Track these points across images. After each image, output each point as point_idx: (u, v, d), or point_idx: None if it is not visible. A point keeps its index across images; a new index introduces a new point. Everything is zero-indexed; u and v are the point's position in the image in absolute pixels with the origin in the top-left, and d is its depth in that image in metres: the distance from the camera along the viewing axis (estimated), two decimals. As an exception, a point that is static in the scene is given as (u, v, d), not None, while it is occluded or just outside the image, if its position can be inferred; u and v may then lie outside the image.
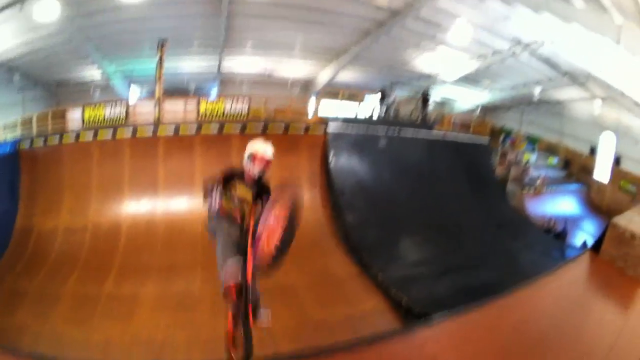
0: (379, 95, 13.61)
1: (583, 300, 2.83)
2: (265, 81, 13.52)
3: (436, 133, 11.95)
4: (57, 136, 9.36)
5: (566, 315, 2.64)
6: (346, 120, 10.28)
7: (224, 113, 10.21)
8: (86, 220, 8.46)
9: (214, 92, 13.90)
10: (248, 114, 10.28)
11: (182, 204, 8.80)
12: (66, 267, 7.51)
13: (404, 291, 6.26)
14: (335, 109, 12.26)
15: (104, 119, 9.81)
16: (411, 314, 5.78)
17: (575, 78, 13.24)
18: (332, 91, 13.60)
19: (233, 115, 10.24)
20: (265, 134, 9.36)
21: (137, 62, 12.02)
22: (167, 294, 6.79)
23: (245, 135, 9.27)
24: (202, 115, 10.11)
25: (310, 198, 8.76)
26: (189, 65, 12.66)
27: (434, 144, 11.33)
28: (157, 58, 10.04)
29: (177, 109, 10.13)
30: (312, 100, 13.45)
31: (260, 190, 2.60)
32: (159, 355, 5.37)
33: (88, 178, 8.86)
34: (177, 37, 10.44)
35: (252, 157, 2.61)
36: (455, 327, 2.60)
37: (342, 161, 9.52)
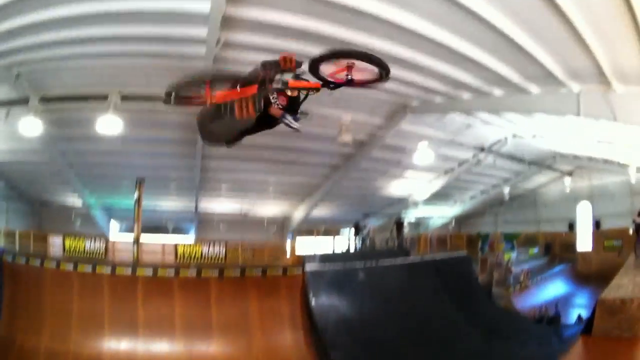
0: (352, 229, 14.11)
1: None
2: (242, 221, 13.91)
3: (414, 257, 12.24)
4: (39, 259, 9.65)
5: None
6: (323, 258, 10.63)
7: (201, 256, 10.56)
8: (67, 348, 8.34)
9: (192, 231, 14.23)
10: (226, 257, 10.62)
11: (163, 347, 8.67)
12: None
13: None
14: (312, 246, 12.47)
15: (84, 251, 10.20)
16: None
17: (542, 163, 14.13)
18: (308, 228, 14.03)
19: (210, 259, 10.58)
20: (243, 277, 9.57)
21: (116, 197, 12.46)
22: None
23: (224, 280, 9.45)
24: (179, 258, 10.47)
25: (293, 340, 8.74)
26: (167, 204, 13.07)
27: (414, 268, 11.47)
28: (135, 197, 10.51)
29: (155, 250, 10.50)
30: (289, 239, 13.88)
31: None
32: None
33: (69, 306, 8.94)
34: (155, 176, 10.99)
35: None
36: None
37: (323, 299, 9.62)
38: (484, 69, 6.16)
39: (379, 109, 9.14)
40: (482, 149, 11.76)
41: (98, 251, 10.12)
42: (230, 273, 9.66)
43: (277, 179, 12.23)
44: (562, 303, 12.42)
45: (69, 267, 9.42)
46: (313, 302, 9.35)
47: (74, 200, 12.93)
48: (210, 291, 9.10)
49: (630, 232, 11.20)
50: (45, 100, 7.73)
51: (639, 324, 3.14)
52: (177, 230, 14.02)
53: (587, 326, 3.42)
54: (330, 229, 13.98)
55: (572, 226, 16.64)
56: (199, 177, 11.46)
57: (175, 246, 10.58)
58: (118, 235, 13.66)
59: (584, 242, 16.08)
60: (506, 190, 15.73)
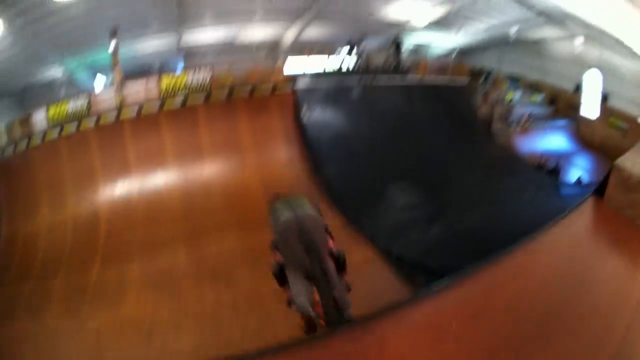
0: (346, 47, 12.67)
1: (593, 261, 2.19)
2: (230, 49, 12.88)
3: (412, 78, 11.23)
4: (25, 140, 9.34)
5: (575, 280, 2.01)
6: (315, 75, 9.78)
7: (186, 86, 9.86)
8: (65, 216, 8.42)
9: (179, 68, 13.42)
10: (211, 82, 9.86)
11: (157, 180, 8.59)
12: (53, 265, 7.45)
13: (394, 240, 5.84)
14: (304, 66, 11.24)
15: (67, 114, 9.60)
16: (402, 263, 5.43)
17: (552, 17, 12.18)
18: (300, 49, 12.70)
19: (196, 87, 9.88)
20: (230, 99, 9.00)
21: (98, 52, 11.55)
22: (152, 271, 6.63)
23: (211, 104, 9.00)
24: (164, 92, 9.80)
25: (286, 156, 8.39)
26: (149, 45, 12.22)
27: (411, 90, 10.79)
28: (111, 46, 10.01)
29: (138, 90, 9.80)
30: (279, 61, 12.53)
31: None
32: (149, 334, 5.33)
33: (61, 175, 8.80)
34: (132, 21, 10.22)
35: None
36: (430, 314, 2.02)
37: (316, 115, 9.04)
38: None
39: None
40: None
41: (81, 108, 9.59)
42: (217, 97, 9.26)
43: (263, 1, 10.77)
44: (562, 159, 11.94)
45: (55, 134, 9.12)
46: (306, 118, 9.05)
47: (54, 73, 12.25)
48: (198, 118, 8.91)
49: None
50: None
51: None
52: (164, 69, 13.28)
53: (599, 188, 2.76)
54: (323, 48, 12.93)
55: (578, 88, 15.19)
56: (177, 12, 10.48)
57: (158, 79, 9.98)
58: (105, 90, 13.05)
59: (590, 109, 14.86)
60: (512, 30, 13.91)
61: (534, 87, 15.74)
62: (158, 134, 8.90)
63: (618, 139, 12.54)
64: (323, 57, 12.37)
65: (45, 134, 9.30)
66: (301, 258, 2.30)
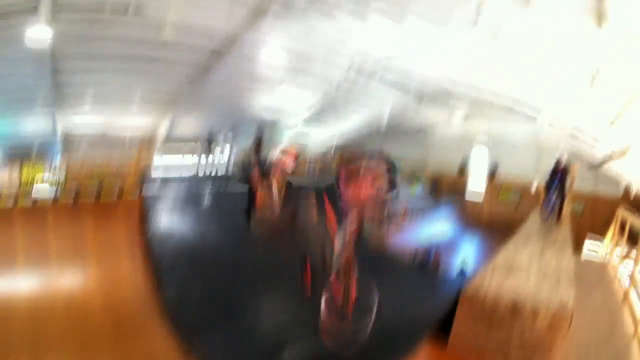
0: (206, 143, 12.82)
1: None
2: (102, 140, 12.62)
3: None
4: None
5: None
6: (165, 180, 9.55)
7: (43, 179, 9.86)
8: None
9: (56, 153, 12.65)
10: (66, 179, 9.66)
11: (6, 283, 7.04)
12: None
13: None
14: (162, 166, 11.45)
15: None
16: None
17: (434, 97, 12.54)
18: (172, 146, 13.11)
19: (52, 181, 9.89)
20: (77, 202, 8.51)
21: None
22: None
23: (60, 206, 8.38)
24: (23, 184, 9.68)
25: (131, 269, 7.70)
26: (26, 126, 11.48)
27: None
28: None
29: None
30: (138, 159, 12.08)
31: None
32: None
33: None
34: (9, 98, 9.56)
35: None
36: None
37: (163, 225, 8.61)
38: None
39: (237, 11, 7.87)
40: (358, 69, 10.29)
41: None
42: (64, 198, 8.64)
43: (132, 91, 10.93)
44: (444, 248, 11.64)
45: None
46: (151, 229, 8.43)
47: None
48: (48, 219, 8.00)
49: (533, 188, 10.52)
50: None
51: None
52: (42, 155, 12.24)
53: (443, 327, 2.23)
54: (189, 145, 12.95)
55: (463, 169, 15.30)
56: (54, 94, 10.13)
57: (20, 169, 9.73)
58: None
59: (476, 188, 14.96)
60: (384, 119, 14.41)
61: (414, 177, 15.52)
62: (12, 232, 7.65)
63: (509, 214, 12.20)
64: (185, 156, 12.24)
65: None
66: None
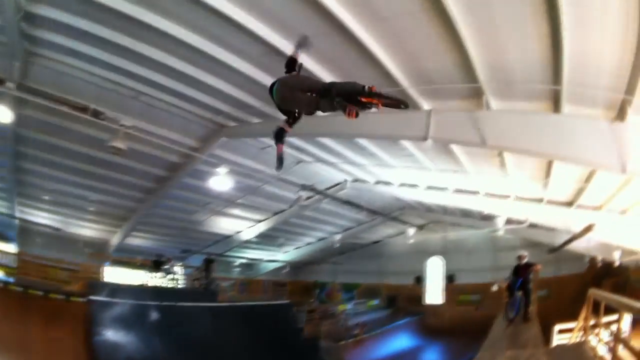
0: (155, 263, 12.45)
1: None
2: (59, 237, 12.72)
3: (222, 302, 10.90)
4: None
5: None
6: (113, 289, 9.24)
7: None
8: None
9: (13, 239, 12.64)
10: (18, 268, 9.40)
11: None
12: None
13: None
14: (117, 277, 11.16)
15: None
16: None
17: (388, 214, 12.89)
18: (125, 257, 13.21)
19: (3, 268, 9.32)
20: (26, 297, 8.22)
21: None
22: None
23: (9, 300, 8.03)
24: None
25: None
26: None
27: (220, 313, 10.05)
28: None
29: None
30: (94, 264, 12.09)
31: None
32: None
33: None
34: None
35: None
36: None
37: (108, 335, 8.26)
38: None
39: (192, 129, 8.17)
40: (312, 191, 10.16)
41: None
42: (13, 291, 8.31)
43: (90, 195, 10.77)
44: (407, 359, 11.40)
45: None
46: (96, 337, 8.02)
47: None
48: None
49: (494, 288, 9.69)
50: None
51: None
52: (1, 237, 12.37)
53: None
54: (139, 261, 12.38)
55: (419, 279, 15.62)
56: (15, 187, 10.31)
57: None
58: None
59: (433, 296, 15.13)
60: (338, 238, 14.71)
61: (371, 292, 15.42)
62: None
63: (471, 313, 11.96)
64: (134, 271, 11.71)
65: None
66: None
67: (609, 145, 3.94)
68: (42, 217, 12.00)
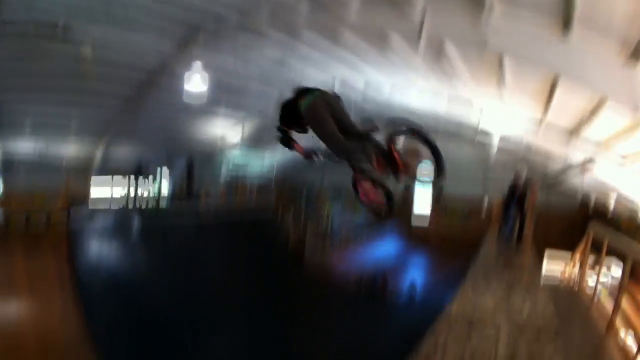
0: (135, 175, 12.16)
1: None
2: (38, 166, 11.77)
3: (208, 205, 10.54)
4: None
5: None
6: (93, 206, 9.18)
7: None
8: None
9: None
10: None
11: None
12: None
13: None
14: (99, 195, 10.87)
15: None
16: None
17: (376, 121, 12.40)
18: (110, 171, 12.55)
19: None
20: (9, 228, 8.42)
21: None
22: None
23: None
24: None
25: (60, 303, 7.48)
26: None
27: (204, 219, 9.83)
28: None
29: None
30: (74, 186, 11.61)
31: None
32: None
33: None
34: None
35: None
36: None
37: (92, 256, 8.31)
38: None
39: (168, 31, 7.32)
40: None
41: None
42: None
43: (68, 110, 10.09)
44: (392, 267, 11.12)
45: None
46: (79, 260, 8.02)
47: None
48: None
49: (484, 207, 9.74)
50: None
51: None
52: None
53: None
54: (123, 179, 12.13)
55: (408, 186, 14.56)
56: None
57: None
58: None
59: (423, 204, 14.45)
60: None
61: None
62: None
63: (460, 223, 11.58)
64: (115, 188, 11.50)
65: None
66: None
67: (621, 81, 3.32)
68: (23, 150, 11.24)
